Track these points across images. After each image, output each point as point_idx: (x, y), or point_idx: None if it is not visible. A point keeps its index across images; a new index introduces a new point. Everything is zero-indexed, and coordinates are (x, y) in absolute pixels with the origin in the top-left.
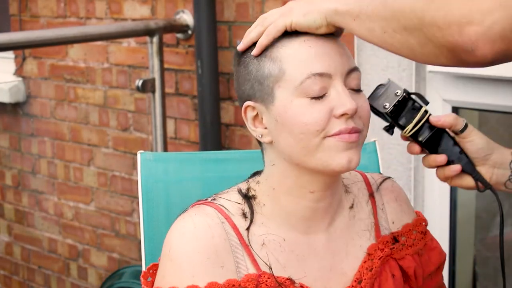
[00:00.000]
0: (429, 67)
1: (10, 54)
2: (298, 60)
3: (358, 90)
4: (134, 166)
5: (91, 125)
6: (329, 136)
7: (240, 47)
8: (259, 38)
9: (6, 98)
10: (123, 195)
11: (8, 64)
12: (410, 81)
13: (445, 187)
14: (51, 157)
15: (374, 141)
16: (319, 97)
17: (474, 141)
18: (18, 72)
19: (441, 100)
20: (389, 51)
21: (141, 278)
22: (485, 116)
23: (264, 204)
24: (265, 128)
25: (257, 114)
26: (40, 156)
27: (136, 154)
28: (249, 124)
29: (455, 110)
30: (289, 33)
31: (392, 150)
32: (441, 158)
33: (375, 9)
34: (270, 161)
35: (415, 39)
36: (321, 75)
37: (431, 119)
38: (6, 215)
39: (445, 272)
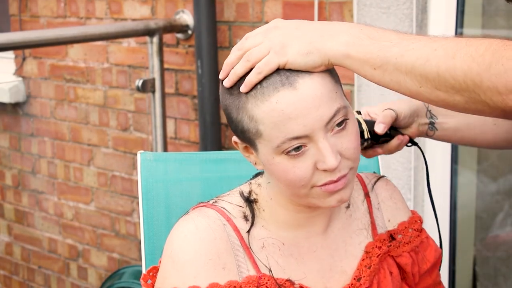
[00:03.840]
0: None
1: (10, 54)
2: (273, 124)
3: (343, 122)
4: (134, 166)
5: (91, 125)
6: (317, 186)
7: (227, 83)
8: (244, 73)
9: (6, 98)
10: (123, 195)
11: (8, 64)
12: None
13: (445, 188)
14: (51, 157)
15: None
16: (299, 154)
17: (402, 115)
18: (18, 72)
19: None
20: (419, 99)
21: (141, 281)
22: None
23: (263, 210)
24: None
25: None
26: (40, 156)
27: (136, 154)
28: (241, 152)
29: None
30: (263, 85)
31: None
32: (405, 138)
33: (411, 65)
34: (267, 177)
35: (463, 98)
36: (297, 138)
37: (376, 129)
38: (6, 215)
39: (445, 272)
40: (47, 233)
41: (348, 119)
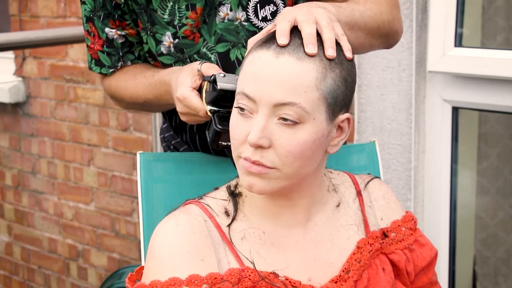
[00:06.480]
0: (429, 67)
1: (10, 54)
2: (242, 72)
3: (292, 123)
4: (134, 166)
5: (91, 125)
6: (241, 158)
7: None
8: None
9: (6, 98)
10: (123, 195)
11: (8, 64)
12: (410, 81)
13: (445, 187)
14: (51, 157)
15: (374, 141)
16: (247, 114)
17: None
18: (18, 72)
19: (441, 100)
20: (356, 50)
21: (126, 280)
22: (485, 116)
23: (245, 201)
24: None
25: None
26: (40, 156)
27: (136, 154)
28: None
29: (455, 110)
30: (267, 40)
31: (392, 150)
32: None
33: (366, 22)
34: None
35: (380, 39)
36: (247, 96)
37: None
38: (6, 215)
39: (445, 272)
40: (47, 233)
41: (299, 123)
